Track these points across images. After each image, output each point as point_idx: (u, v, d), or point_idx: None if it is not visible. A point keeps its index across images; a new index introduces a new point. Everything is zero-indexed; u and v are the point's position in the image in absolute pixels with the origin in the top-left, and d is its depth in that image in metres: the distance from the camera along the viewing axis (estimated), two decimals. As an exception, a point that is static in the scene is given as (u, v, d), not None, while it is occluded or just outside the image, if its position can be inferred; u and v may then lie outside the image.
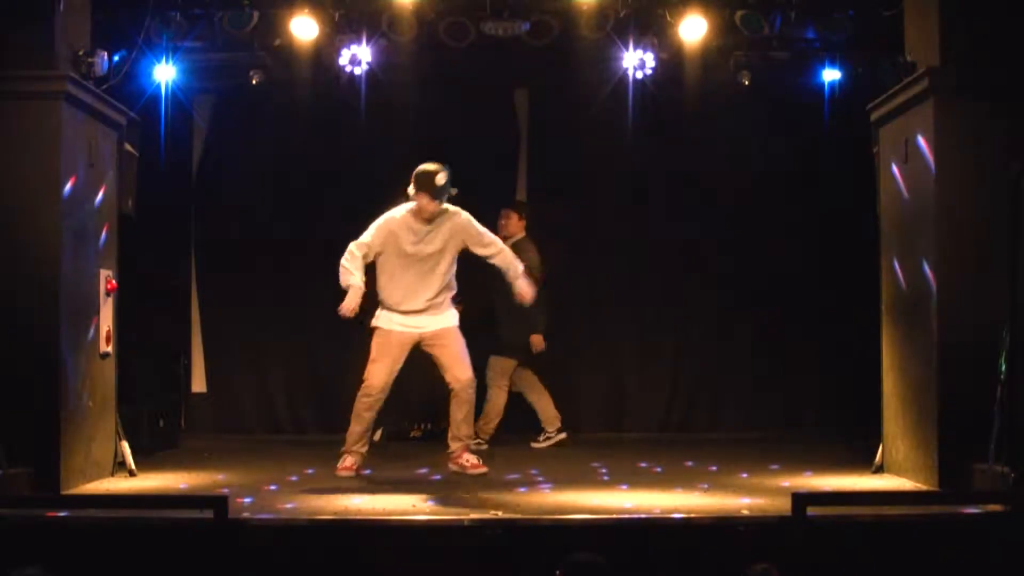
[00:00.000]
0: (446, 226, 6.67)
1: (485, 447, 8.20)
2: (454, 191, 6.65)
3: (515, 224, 8.39)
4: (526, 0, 7.71)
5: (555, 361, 9.20)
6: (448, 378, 6.75)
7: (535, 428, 8.63)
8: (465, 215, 6.73)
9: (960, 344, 6.31)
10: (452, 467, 6.82)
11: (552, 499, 6.12)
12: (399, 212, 6.71)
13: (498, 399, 8.46)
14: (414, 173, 6.58)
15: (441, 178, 6.54)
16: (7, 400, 6.10)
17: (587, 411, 9.36)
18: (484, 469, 6.86)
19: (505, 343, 8.43)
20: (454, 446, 6.79)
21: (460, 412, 6.77)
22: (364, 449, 6.80)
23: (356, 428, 6.76)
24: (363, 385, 6.71)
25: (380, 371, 6.68)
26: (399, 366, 6.74)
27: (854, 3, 7.52)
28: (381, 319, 6.80)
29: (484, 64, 8.39)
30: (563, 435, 8.54)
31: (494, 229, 7.53)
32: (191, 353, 9.34)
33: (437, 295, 6.71)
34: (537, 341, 8.39)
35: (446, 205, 6.66)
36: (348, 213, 9.19)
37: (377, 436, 8.92)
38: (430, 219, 6.64)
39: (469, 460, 6.79)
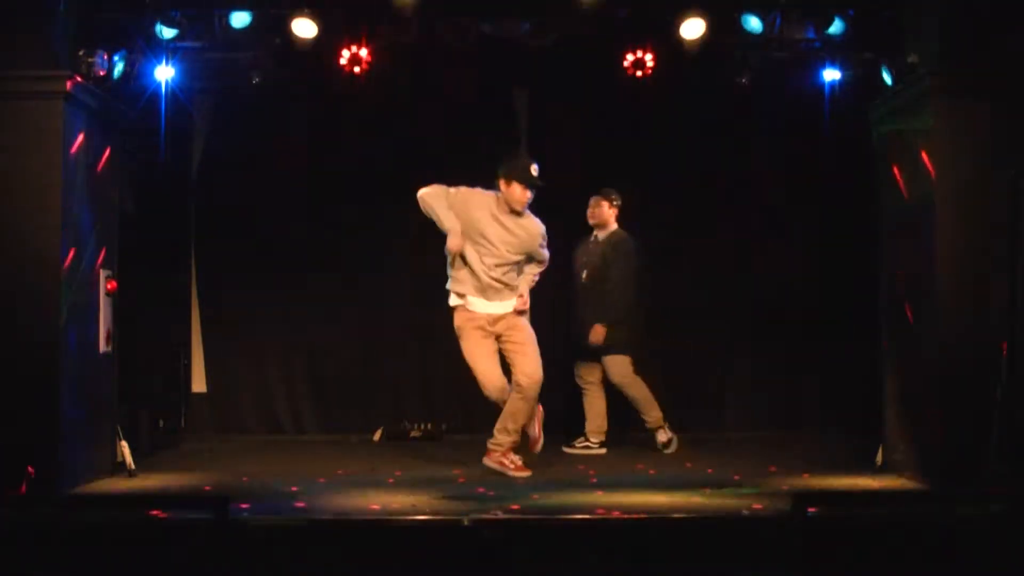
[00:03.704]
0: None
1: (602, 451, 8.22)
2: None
3: (606, 212, 8.37)
4: (526, 0, 7.71)
5: (556, 361, 9.20)
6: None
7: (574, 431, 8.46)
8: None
9: (960, 344, 6.31)
10: (489, 463, 6.87)
11: (552, 499, 6.12)
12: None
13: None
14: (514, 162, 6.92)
15: (535, 168, 6.84)
16: (7, 400, 6.11)
17: (587, 411, 9.35)
18: (527, 472, 6.88)
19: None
20: (501, 439, 6.89)
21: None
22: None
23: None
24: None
25: None
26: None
27: (854, 3, 7.52)
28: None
29: (484, 64, 8.39)
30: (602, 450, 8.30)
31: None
32: (191, 353, 9.34)
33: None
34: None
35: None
36: (348, 213, 9.23)
37: (377, 436, 8.95)
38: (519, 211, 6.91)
39: (513, 461, 6.87)
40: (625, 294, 8.20)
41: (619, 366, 8.19)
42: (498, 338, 6.94)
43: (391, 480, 6.83)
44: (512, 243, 6.90)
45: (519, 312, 6.96)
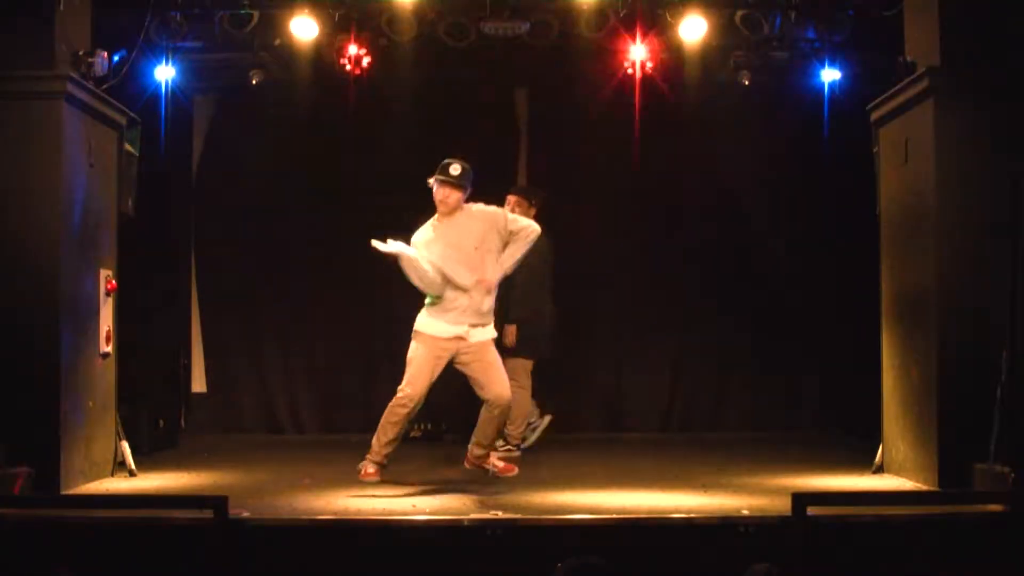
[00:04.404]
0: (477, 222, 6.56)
1: (517, 453, 7.81)
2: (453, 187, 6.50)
3: (522, 212, 7.62)
4: (526, 0, 7.72)
5: (555, 361, 9.19)
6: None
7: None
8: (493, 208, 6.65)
9: (960, 344, 6.31)
10: (468, 466, 6.70)
11: (552, 499, 6.12)
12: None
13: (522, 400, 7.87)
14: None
15: (455, 167, 6.47)
16: (7, 400, 6.10)
17: (587, 411, 9.36)
18: (513, 470, 6.79)
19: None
20: (477, 452, 6.67)
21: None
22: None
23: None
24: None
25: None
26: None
27: (854, 3, 7.53)
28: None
29: (484, 64, 8.39)
30: (548, 417, 8.10)
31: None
32: (191, 353, 9.34)
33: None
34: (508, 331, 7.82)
35: (478, 205, 6.61)
36: (347, 213, 9.23)
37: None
38: (450, 212, 6.52)
39: (494, 464, 6.74)
40: (527, 293, 7.85)
41: (513, 370, 7.52)
42: (458, 359, 6.59)
43: (391, 480, 6.82)
44: (461, 244, 6.51)
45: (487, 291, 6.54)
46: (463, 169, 6.52)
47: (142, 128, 7.55)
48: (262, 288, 9.30)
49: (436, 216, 6.61)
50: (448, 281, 6.48)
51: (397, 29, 7.69)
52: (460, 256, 6.49)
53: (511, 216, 6.74)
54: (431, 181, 6.50)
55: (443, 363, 6.60)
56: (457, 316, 6.50)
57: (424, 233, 6.61)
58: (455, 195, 6.50)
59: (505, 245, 6.60)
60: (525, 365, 7.94)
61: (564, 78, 8.79)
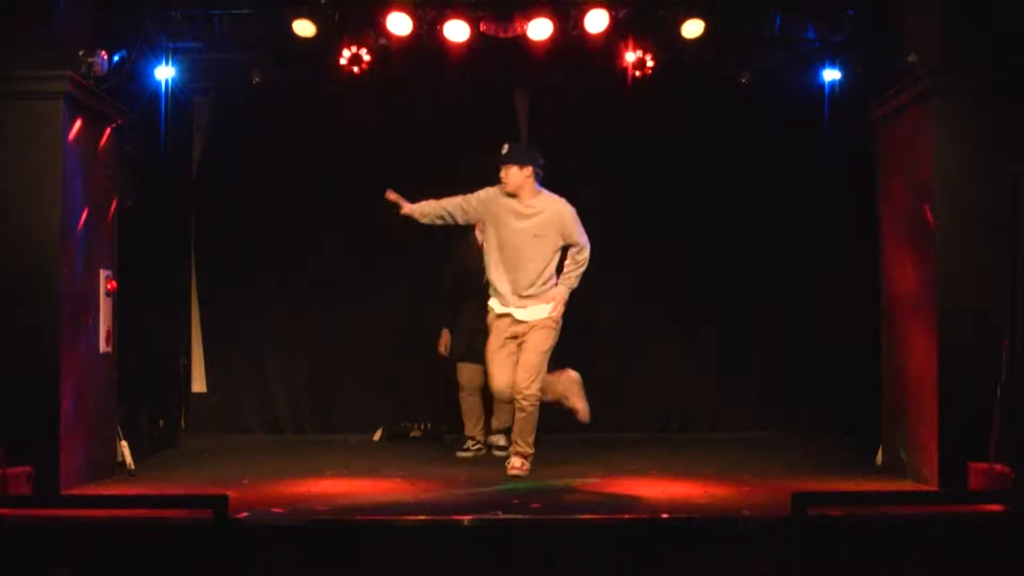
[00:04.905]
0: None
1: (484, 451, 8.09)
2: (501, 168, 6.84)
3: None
4: (526, 0, 7.71)
5: (555, 361, 9.18)
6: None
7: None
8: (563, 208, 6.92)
9: (960, 344, 6.32)
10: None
11: (552, 499, 6.12)
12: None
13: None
14: None
15: (504, 147, 6.83)
16: (7, 400, 6.11)
17: (587, 411, 9.34)
18: (523, 471, 6.89)
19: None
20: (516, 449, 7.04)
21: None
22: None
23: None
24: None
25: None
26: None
27: (854, 3, 7.53)
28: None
29: (484, 64, 8.39)
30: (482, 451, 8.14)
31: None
32: (191, 353, 9.34)
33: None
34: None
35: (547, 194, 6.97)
36: (348, 213, 9.22)
37: (377, 436, 8.95)
38: (513, 193, 6.83)
39: (511, 463, 6.92)
40: (453, 294, 8.08)
41: (463, 373, 8.07)
42: (515, 339, 6.94)
43: (392, 480, 6.82)
44: (525, 228, 6.88)
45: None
46: (510, 147, 6.88)
47: (142, 128, 7.55)
48: (262, 288, 9.29)
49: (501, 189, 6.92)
50: (489, 261, 6.92)
51: (397, 29, 7.68)
52: (514, 242, 6.85)
53: (575, 219, 7.00)
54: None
55: (508, 340, 6.89)
56: (499, 295, 6.92)
57: (487, 193, 6.94)
58: (509, 172, 6.83)
59: (563, 243, 6.97)
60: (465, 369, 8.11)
61: (564, 78, 8.78)
